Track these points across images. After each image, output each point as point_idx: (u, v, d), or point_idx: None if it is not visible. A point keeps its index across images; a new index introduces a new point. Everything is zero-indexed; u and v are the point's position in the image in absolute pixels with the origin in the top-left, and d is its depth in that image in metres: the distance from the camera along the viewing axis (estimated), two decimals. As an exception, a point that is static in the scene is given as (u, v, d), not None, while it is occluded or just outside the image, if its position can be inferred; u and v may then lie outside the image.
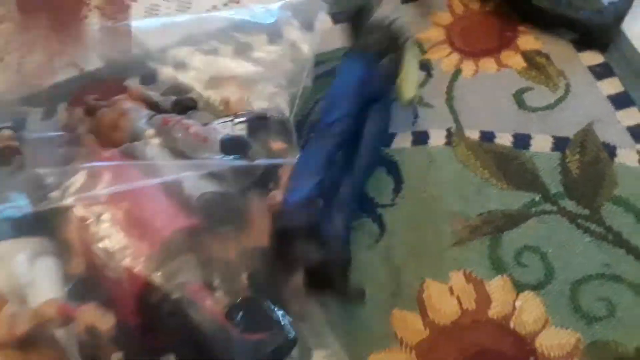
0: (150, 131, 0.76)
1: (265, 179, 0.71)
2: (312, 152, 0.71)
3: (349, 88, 0.74)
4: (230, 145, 0.71)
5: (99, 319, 0.59)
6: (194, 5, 1.09)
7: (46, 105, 0.99)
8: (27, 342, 0.60)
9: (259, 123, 0.76)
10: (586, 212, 0.68)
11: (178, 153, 0.73)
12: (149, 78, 0.94)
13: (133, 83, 0.97)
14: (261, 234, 0.67)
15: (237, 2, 1.07)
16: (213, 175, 0.70)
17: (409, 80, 0.75)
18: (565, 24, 0.80)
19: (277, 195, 0.69)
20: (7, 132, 0.85)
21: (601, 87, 0.77)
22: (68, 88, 1.00)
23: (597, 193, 0.69)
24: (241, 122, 0.76)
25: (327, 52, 0.89)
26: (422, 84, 0.84)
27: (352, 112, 0.72)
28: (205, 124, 0.76)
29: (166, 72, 0.92)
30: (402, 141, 0.79)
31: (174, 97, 0.85)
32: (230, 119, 0.77)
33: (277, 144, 0.74)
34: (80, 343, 0.60)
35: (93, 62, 1.02)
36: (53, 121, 0.96)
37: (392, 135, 0.80)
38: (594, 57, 0.80)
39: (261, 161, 0.71)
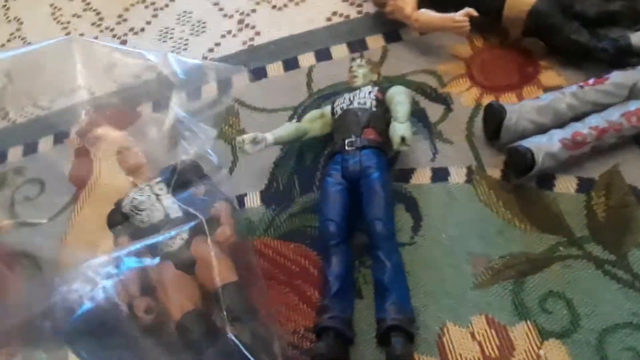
0: None
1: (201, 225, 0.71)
2: None
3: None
4: None
5: None
6: (208, 30, 1.08)
7: (57, 129, 0.98)
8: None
9: (175, 175, 0.76)
10: (613, 257, 0.66)
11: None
12: (162, 104, 0.93)
13: (146, 109, 0.96)
14: (226, 272, 0.67)
15: (253, 28, 1.06)
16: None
17: (398, 120, 0.73)
18: (596, 55, 0.79)
19: (226, 230, 0.70)
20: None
21: (627, 126, 0.75)
22: (79, 112, 0.99)
23: (624, 238, 0.67)
24: (159, 182, 0.75)
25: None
26: (441, 119, 0.82)
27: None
28: (120, 200, 0.76)
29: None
30: (422, 177, 0.78)
31: None
32: (146, 183, 0.76)
33: (199, 190, 0.74)
34: None
35: (104, 86, 1.01)
36: (64, 146, 0.96)
37: (411, 171, 0.79)
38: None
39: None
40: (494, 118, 0.74)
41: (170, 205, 0.73)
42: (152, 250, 0.69)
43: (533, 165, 0.69)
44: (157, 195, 0.73)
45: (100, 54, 0.98)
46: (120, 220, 0.74)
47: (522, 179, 0.71)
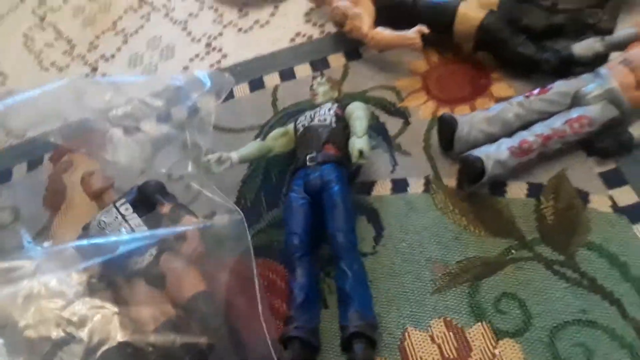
0: None
1: (169, 241, 0.74)
2: None
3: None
4: None
5: None
6: (177, 54, 1.11)
7: (31, 156, 1.00)
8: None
9: (140, 195, 0.79)
10: (561, 258, 0.69)
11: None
12: (133, 129, 0.96)
13: (117, 132, 0.99)
14: (196, 283, 0.70)
15: (220, 51, 1.09)
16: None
17: (356, 135, 0.76)
18: (541, 66, 0.83)
19: (192, 243, 0.72)
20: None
21: (572, 133, 0.79)
22: (52, 138, 1.01)
23: (571, 239, 0.70)
24: (124, 202, 0.77)
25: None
26: (400, 132, 0.86)
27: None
28: (87, 224, 0.78)
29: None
30: (382, 188, 0.81)
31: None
32: (110, 206, 0.78)
33: (164, 207, 0.77)
34: None
35: (77, 112, 1.03)
36: (38, 172, 0.98)
37: (372, 183, 0.82)
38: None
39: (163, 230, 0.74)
40: (447, 129, 0.78)
41: (137, 224, 0.75)
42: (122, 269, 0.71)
43: (483, 173, 0.72)
44: (123, 215, 0.76)
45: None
46: None
47: (474, 186, 0.74)
